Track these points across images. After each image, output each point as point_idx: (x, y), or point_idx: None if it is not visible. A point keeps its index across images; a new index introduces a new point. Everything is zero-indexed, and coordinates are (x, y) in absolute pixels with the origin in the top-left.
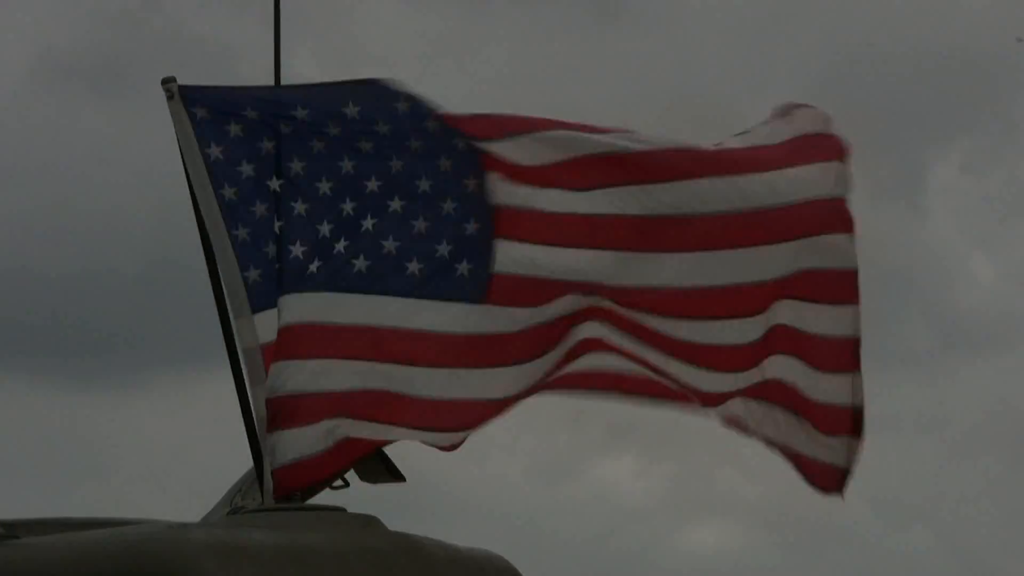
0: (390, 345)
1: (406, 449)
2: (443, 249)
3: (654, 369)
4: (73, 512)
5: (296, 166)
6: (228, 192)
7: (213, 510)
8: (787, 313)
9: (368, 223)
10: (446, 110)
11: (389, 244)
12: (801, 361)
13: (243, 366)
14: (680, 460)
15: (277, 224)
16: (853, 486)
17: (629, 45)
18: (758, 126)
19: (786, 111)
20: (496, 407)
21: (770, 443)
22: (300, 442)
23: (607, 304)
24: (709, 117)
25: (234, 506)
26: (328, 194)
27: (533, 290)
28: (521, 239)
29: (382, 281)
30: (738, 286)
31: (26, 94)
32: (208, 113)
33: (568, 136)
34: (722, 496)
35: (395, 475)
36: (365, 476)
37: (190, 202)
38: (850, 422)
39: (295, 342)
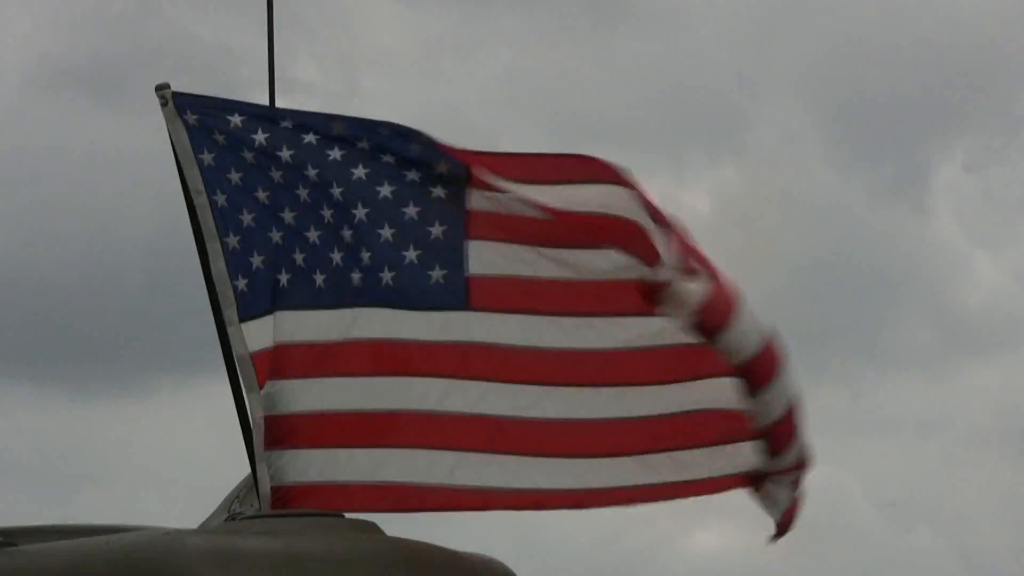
0: (386, 358)
1: None
2: (411, 255)
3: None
4: (71, 519)
5: (276, 175)
6: (220, 199)
7: (211, 517)
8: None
9: (346, 233)
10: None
11: (364, 255)
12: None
13: (239, 373)
14: None
15: (278, 234)
16: (856, 487)
17: (627, 47)
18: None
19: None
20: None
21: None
22: (298, 465)
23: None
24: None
25: (232, 512)
26: (308, 201)
27: (515, 290)
28: (496, 239)
29: (366, 293)
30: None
31: (24, 100)
32: (198, 120)
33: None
34: (726, 499)
35: None
36: None
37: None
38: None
39: (293, 361)
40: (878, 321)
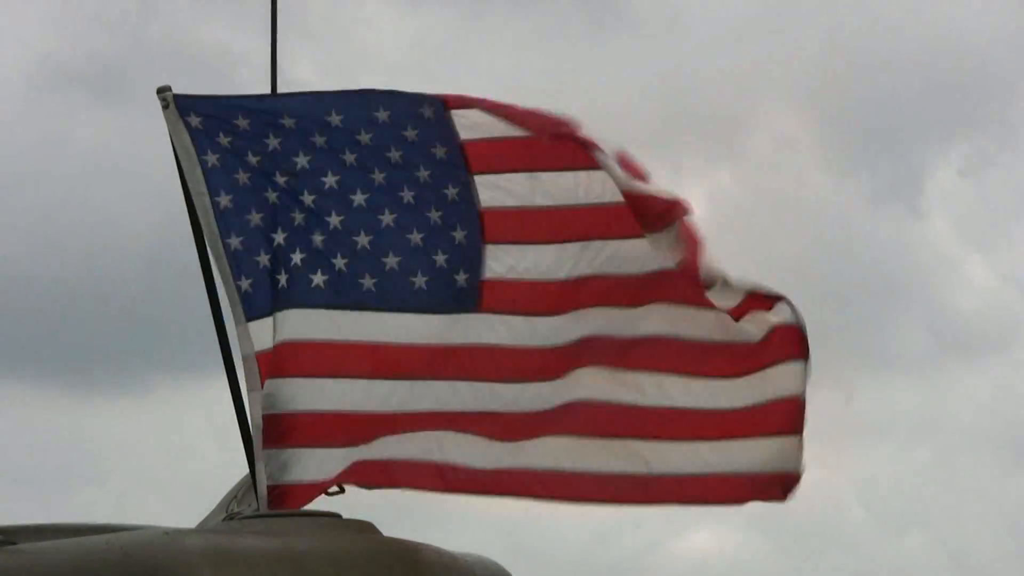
0: (391, 360)
1: None
2: (441, 259)
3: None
4: (70, 518)
5: (281, 180)
6: (223, 200)
7: (209, 516)
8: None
9: (363, 239)
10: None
11: (390, 260)
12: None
13: (239, 373)
14: None
15: (282, 235)
16: (848, 489)
17: (624, 50)
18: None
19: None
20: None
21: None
22: (299, 464)
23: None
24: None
25: (230, 512)
26: (312, 207)
27: (526, 293)
28: (509, 241)
29: (390, 298)
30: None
31: (25, 101)
32: (202, 122)
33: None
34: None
35: None
36: None
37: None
38: (795, 416)
39: (294, 359)
40: (872, 324)
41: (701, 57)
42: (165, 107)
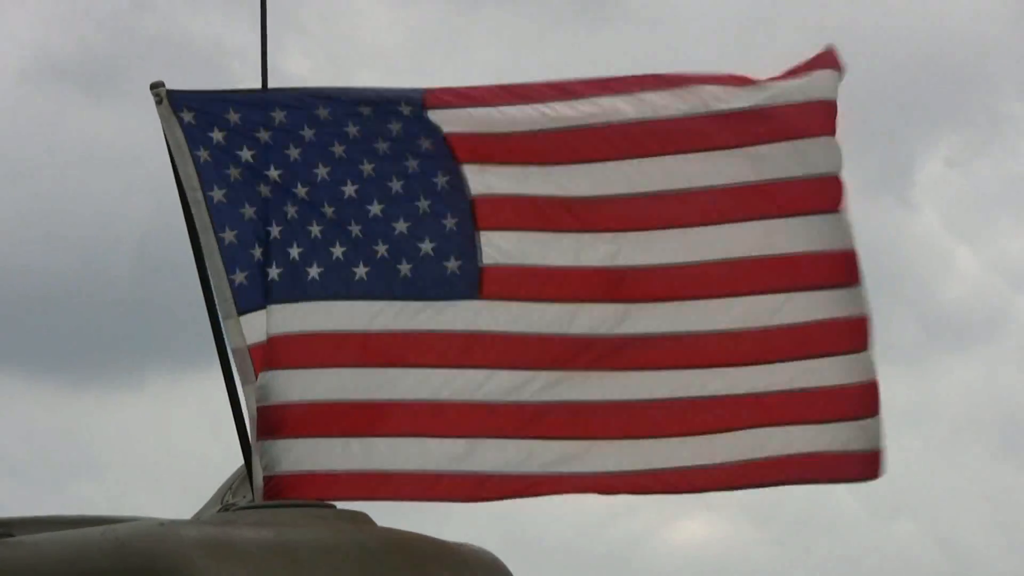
0: (386, 349)
1: None
2: (427, 247)
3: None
4: (66, 510)
5: (273, 173)
6: (217, 194)
7: (204, 507)
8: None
9: (355, 228)
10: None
11: (380, 248)
12: (816, 357)
13: (233, 366)
14: None
15: (277, 228)
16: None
17: (617, 44)
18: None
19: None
20: (493, 411)
21: (778, 468)
22: (291, 454)
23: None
24: None
25: (225, 503)
26: (306, 199)
27: (526, 280)
28: (505, 227)
29: (380, 286)
30: (735, 261)
31: (18, 96)
32: (195, 117)
33: (532, 113)
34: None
35: None
36: None
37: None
38: (874, 399)
39: (288, 351)
40: None
41: (694, 50)
42: (158, 103)
